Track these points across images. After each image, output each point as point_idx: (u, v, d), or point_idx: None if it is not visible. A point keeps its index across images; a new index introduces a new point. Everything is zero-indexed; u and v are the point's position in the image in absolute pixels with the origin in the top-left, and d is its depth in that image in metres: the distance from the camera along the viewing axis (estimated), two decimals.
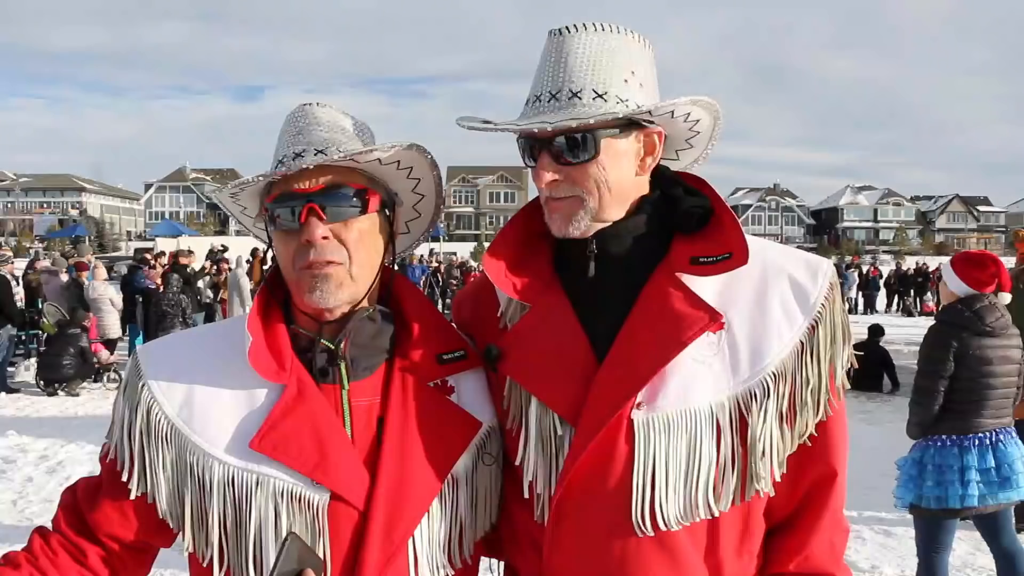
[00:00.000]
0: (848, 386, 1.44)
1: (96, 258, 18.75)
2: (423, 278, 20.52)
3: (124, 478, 1.38)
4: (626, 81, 1.38)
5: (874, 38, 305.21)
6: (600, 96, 1.36)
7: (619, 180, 1.41)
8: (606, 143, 1.37)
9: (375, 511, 1.33)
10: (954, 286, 4.21)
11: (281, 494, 1.32)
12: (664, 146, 1.45)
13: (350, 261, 1.39)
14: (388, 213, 1.49)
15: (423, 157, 1.48)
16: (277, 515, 1.32)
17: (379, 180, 1.46)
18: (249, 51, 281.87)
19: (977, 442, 4.01)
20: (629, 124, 1.39)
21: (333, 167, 1.38)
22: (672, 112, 1.42)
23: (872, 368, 11.35)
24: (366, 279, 1.43)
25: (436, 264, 23.79)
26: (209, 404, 1.38)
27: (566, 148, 1.37)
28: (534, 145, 1.40)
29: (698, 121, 1.49)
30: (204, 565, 1.35)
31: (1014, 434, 4.16)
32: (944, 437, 4.05)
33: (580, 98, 1.36)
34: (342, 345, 1.40)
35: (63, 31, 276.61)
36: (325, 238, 1.36)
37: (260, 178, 1.40)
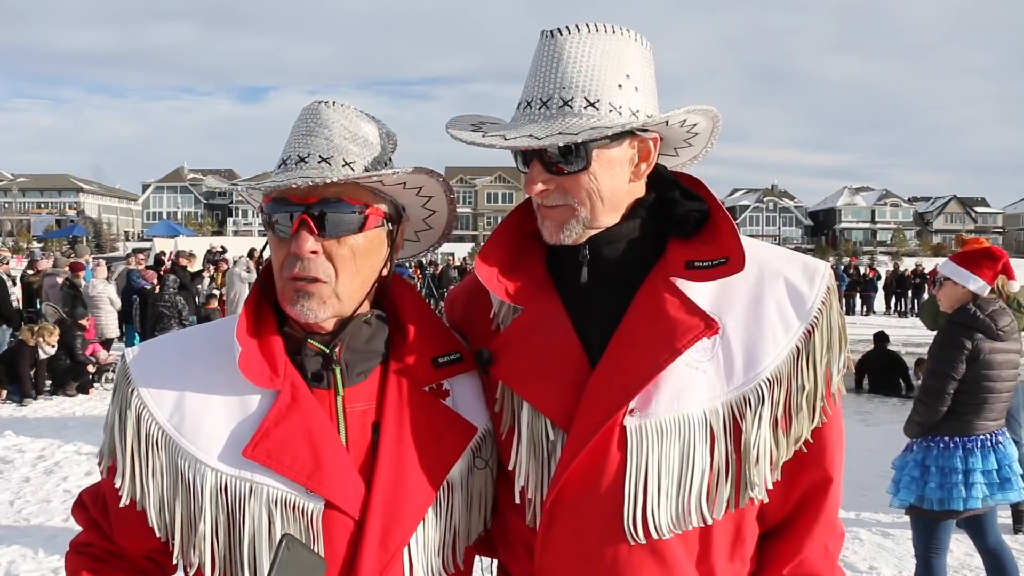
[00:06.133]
0: (844, 391, 1.43)
1: (95, 258, 18.70)
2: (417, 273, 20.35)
3: (116, 484, 1.36)
4: (620, 86, 1.34)
5: (873, 41, 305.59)
6: (592, 104, 1.32)
7: (612, 188, 1.37)
8: (597, 153, 1.34)
9: (370, 519, 1.31)
10: (970, 284, 4.04)
11: (275, 503, 1.30)
12: (661, 145, 1.43)
13: (336, 280, 1.35)
14: (392, 226, 1.45)
15: (435, 181, 1.44)
16: (271, 524, 1.29)
17: (385, 195, 1.43)
18: (254, 53, 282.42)
19: (980, 444, 3.99)
20: (622, 132, 1.34)
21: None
22: (667, 121, 1.39)
23: (890, 374, 11.63)
24: (354, 296, 1.39)
25: (419, 263, 23.57)
26: (201, 410, 1.35)
27: (557, 157, 1.34)
28: (526, 151, 1.37)
29: (695, 125, 1.46)
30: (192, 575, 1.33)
31: (1008, 434, 4.16)
32: (947, 439, 4.01)
33: (571, 107, 1.32)
34: (336, 350, 1.38)
35: (69, 32, 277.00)
36: (314, 252, 1.33)
37: (256, 187, 1.37)
